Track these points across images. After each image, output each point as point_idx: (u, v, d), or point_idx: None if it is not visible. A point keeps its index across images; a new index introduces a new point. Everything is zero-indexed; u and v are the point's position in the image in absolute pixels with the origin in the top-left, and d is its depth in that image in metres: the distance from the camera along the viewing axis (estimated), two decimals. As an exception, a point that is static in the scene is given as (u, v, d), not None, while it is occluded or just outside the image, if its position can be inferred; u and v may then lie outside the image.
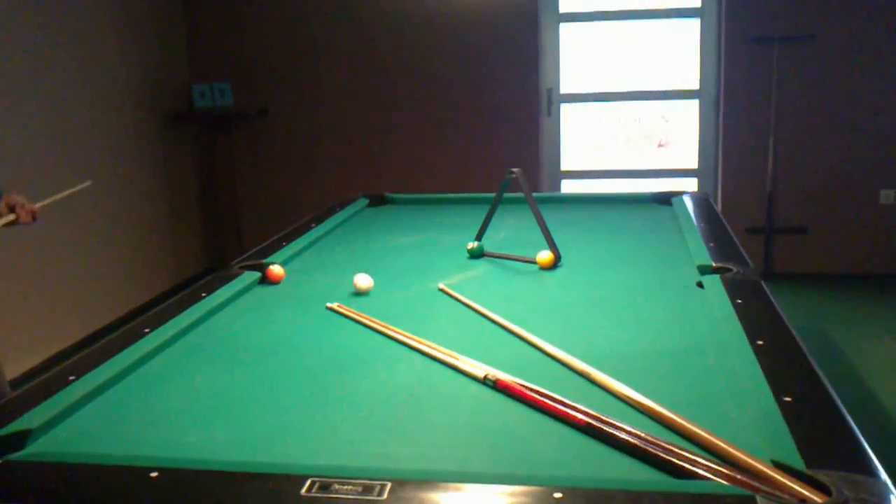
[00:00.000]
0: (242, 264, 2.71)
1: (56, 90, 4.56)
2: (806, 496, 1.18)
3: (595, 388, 1.69)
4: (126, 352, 1.91)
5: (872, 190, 5.45)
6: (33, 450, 1.46)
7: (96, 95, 4.91)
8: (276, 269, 2.62)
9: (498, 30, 5.61)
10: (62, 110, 4.61)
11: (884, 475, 1.22)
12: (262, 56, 5.89)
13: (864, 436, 1.37)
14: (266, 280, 2.61)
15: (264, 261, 2.74)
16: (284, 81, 5.90)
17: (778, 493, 1.20)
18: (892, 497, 1.17)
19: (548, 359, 1.87)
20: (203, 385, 1.80)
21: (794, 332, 1.88)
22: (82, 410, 1.64)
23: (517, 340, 2.01)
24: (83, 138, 4.78)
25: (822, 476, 1.21)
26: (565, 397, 1.58)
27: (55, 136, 4.54)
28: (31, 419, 1.54)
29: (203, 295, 2.36)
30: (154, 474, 1.29)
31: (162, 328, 2.08)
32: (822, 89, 5.37)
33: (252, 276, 2.59)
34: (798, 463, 1.27)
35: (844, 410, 1.46)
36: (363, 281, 2.45)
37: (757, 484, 1.22)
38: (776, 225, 5.58)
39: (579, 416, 1.50)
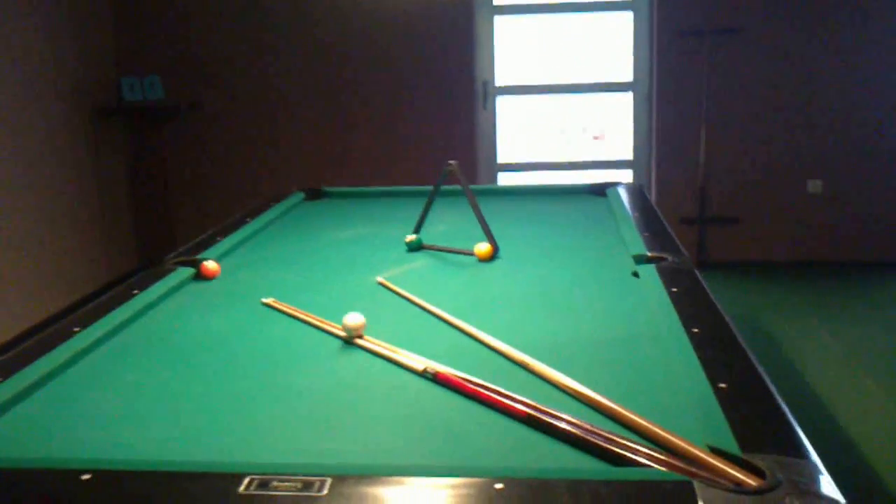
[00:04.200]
0: (176, 260, 2.66)
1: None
2: (741, 480, 1.20)
3: (534, 379, 1.69)
4: (55, 352, 1.85)
5: (800, 180, 5.59)
6: (-43, 455, 1.41)
7: (17, 89, 4.76)
8: (210, 265, 2.58)
9: (433, 23, 5.60)
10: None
11: (814, 457, 1.25)
12: (194, 48, 5.78)
13: (795, 420, 1.40)
14: (200, 276, 2.56)
15: (198, 256, 2.69)
16: (216, 74, 5.80)
17: (714, 477, 1.21)
18: (821, 477, 1.20)
19: (487, 350, 1.87)
20: (136, 384, 1.76)
21: (728, 319, 1.92)
22: (8, 414, 1.59)
23: (456, 332, 2.01)
24: (3, 135, 4.62)
25: (757, 460, 1.24)
26: (505, 388, 1.58)
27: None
28: (-46, 423, 1.48)
29: (135, 292, 2.30)
30: (86, 476, 1.25)
31: (92, 327, 2.02)
32: (752, 81, 5.49)
33: (186, 271, 2.54)
34: (734, 448, 1.29)
35: (777, 396, 1.49)
36: (353, 320, 1.95)
37: (694, 469, 1.24)
38: (709, 215, 5.69)
39: (519, 406, 1.50)
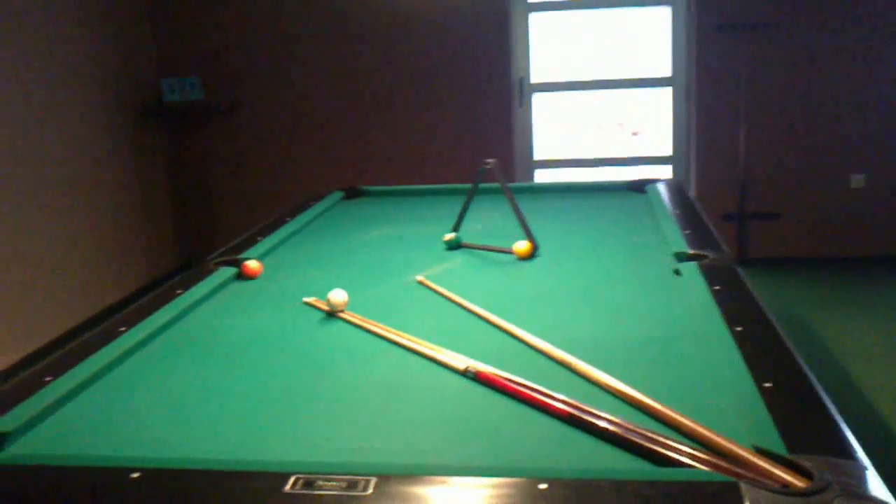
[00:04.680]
0: (218, 260, 2.69)
1: (20, 87, 4.49)
2: (789, 481, 1.19)
3: (576, 378, 1.69)
4: (103, 351, 1.88)
5: (843, 174, 5.50)
6: (10, 453, 1.44)
7: (62, 92, 4.84)
8: (252, 265, 2.60)
9: (469, 21, 5.59)
10: (27, 108, 4.54)
11: (862, 457, 1.24)
12: (233, 50, 5.82)
13: (841, 418, 1.38)
14: (242, 275, 2.59)
15: (240, 256, 2.71)
16: (256, 75, 5.84)
17: (761, 478, 1.20)
18: (870, 477, 1.18)
19: (528, 349, 1.87)
20: (182, 383, 1.78)
21: (771, 317, 1.90)
22: (60, 412, 1.62)
23: (497, 331, 2.01)
24: (50, 136, 4.71)
25: (805, 461, 1.22)
26: (546, 387, 1.58)
27: (21, 134, 4.47)
28: (6, 422, 1.52)
29: (179, 292, 2.33)
30: (135, 475, 1.27)
31: (138, 326, 2.05)
32: (791, 75, 5.41)
33: (228, 271, 2.57)
34: (780, 448, 1.28)
35: (824, 394, 1.48)
36: (338, 296, 2.20)
37: (740, 470, 1.23)
38: (749, 211, 5.62)
39: (561, 406, 1.50)
